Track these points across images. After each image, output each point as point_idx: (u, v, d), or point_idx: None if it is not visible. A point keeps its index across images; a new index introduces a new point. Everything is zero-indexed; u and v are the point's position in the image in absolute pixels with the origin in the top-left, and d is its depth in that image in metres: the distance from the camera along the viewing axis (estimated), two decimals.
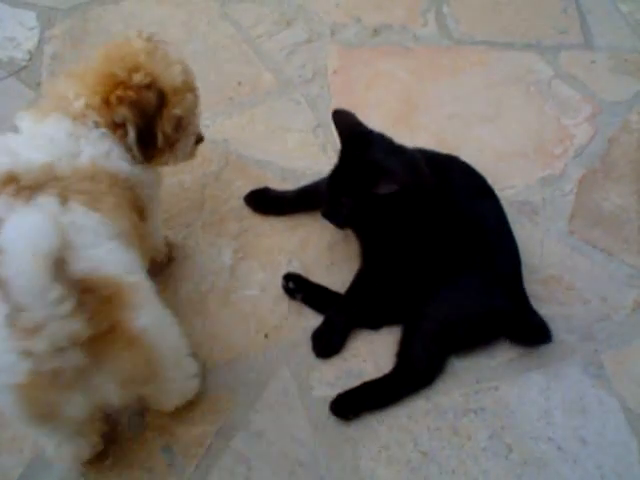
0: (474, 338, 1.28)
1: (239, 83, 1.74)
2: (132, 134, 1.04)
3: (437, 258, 1.27)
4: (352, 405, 1.21)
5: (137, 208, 1.05)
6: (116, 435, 1.17)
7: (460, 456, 1.18)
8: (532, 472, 1.17)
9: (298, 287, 1.35)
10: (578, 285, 1.41)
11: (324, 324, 1.30)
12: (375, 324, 1.32)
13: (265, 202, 1.49)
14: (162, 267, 1.38)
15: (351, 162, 1.23)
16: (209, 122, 1.64)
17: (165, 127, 1.08)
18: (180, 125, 1.11)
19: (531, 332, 1.29)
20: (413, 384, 1.24)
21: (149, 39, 1.09)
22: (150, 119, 1.05)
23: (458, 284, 1.25)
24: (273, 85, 1.75)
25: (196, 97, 1.15)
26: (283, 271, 1.37)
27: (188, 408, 1.20)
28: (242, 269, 1.40)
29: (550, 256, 1.45)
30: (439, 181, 1.27)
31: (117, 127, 1.03)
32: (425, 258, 1.28)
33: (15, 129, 0.99)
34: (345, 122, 1.27)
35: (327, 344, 1.29)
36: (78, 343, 0.79)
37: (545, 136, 1.68)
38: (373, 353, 1.29)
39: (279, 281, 1.36)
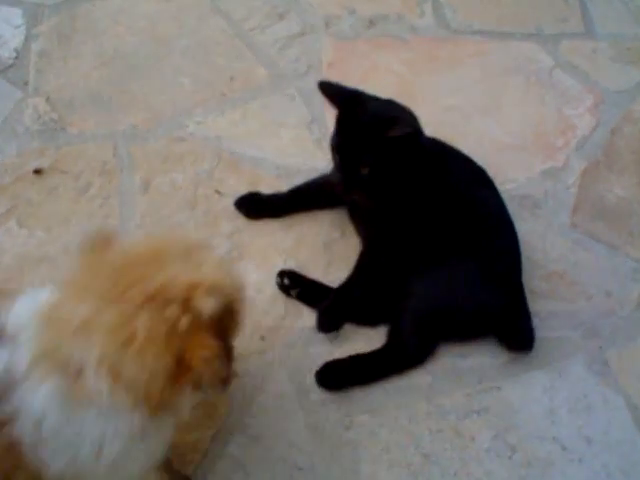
0: (463, 329, 1.26)
1: (231, 78, 1.71)
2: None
3: (435, 245, 1.24)
4: (338, 377, 1.21)
5: None
6: None
7: (463, 458, 1.16)
8: (537, 473, 1.15)
9: (293, 283, 1.32)
10: (581, 280, 1.38)
11: (333, 299, 1.27)
12: (373, 321, 1.30)
13: (257, 206, 1.44)
14: None
15: (356, 120, 1.22)
16: (201, 119, 1.60)
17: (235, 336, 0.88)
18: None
19: (514, 337, 1.26)
20: (402, 361, 1.23)
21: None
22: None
23: (453, 267, 1.22)
24: (266, 80, 1.71)
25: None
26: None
27: None
28: (236, 270, 1.37)
29: (552, 250, 1.42)
30: (439, 166, 1.26)
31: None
32: (423, 244, 1.25)
33: None
34: (334, 88, 1.28)
35: (334, 318, 1.26)
36: None
37: (546, 127, 1.65)
38: None
39: (274, 281, 1.33)
